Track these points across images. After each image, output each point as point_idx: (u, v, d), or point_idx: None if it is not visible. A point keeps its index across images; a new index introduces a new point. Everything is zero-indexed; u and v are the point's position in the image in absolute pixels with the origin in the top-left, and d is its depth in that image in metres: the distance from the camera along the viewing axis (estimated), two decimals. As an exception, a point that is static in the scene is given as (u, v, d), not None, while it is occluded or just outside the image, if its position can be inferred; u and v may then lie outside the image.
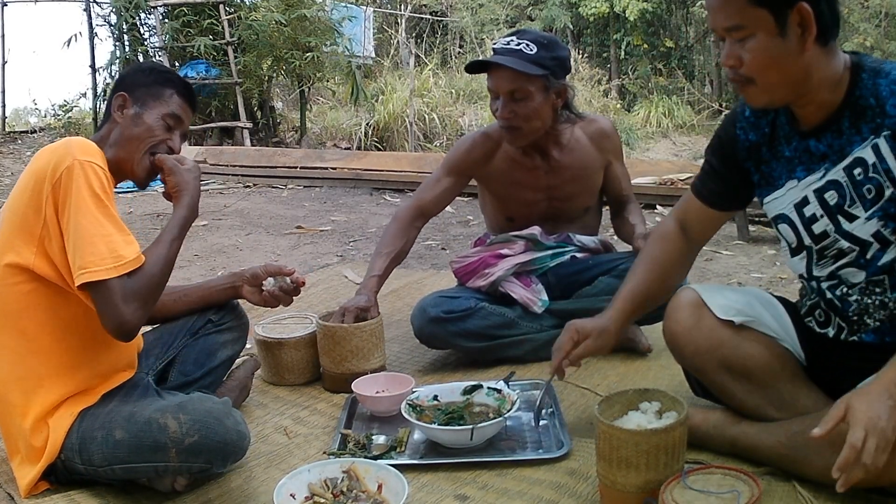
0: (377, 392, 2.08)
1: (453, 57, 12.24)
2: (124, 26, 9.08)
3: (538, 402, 1.89)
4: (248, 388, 2.19)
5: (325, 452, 1.87)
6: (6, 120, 10.58)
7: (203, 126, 8.81)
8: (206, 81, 8.79)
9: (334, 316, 2.28)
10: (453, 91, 10.13)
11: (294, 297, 2.13)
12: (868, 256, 1.50)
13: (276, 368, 2.33)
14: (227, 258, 4.36)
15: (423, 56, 11.74)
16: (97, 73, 9.22)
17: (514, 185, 2.46)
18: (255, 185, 7.14)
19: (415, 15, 12.82)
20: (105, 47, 12.58)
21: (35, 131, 10.18)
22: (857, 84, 1.45)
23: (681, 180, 5.46)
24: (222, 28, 8.87)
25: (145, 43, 9.45)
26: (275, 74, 9.43)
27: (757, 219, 4.50)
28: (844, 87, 1.46)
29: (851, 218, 1.49)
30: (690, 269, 1.88)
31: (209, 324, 2.07)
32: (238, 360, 2.21)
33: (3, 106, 10.46)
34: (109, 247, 1.54)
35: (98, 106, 9.25)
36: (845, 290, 1.55)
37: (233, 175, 7.32)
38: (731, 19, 1.40)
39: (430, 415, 1.92)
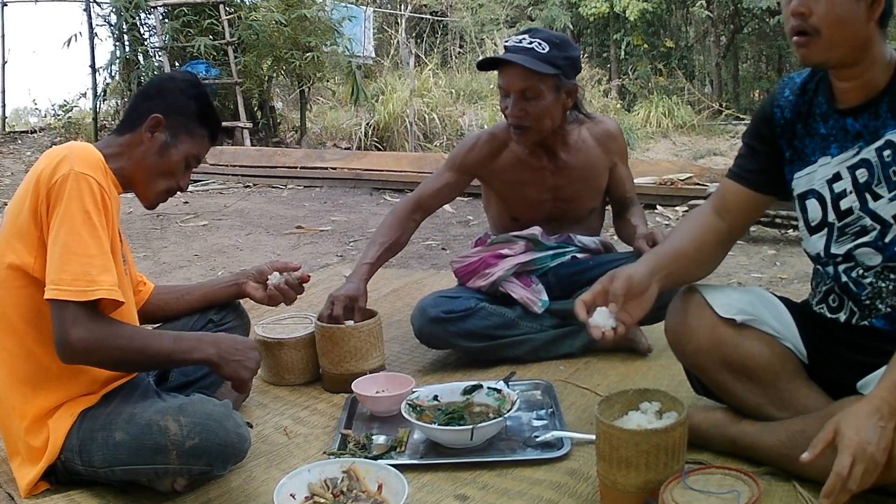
0: (377, 392, 2.08)
1: (453, 57, 12.25)
2: (124, 26, 9.07)
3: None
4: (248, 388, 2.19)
5: (325, 452, 1.87)
6: (6, 120, 10.59)
7: (203, 126, 8.79)
8: (206, 81, 8.78)
9: (323, 307, 2.27)
10: (453, 91, 10.13)
11: (298, 295, 2.12)
12: (886, 240, 1.52)
13: (276, 368, 2.32)
14: (227, 258, 4.36)
15: (423, 56, 11.74)
16: (97, 73, 9.21)
17: (519, 185, 2.46)
18: (255, 185, 7.14)
19: (415, 15, 12.82)
20: (105, 47, 12.63)
21: (35, 131, 10.18)
22: None
23: (681, 180, 5.47)
24: (222, 28, 8.86)
25: (145, 43, 9.44)
26: (275, 74, 9.43)
27: (757, 219, 4.49)
28: (890, 74, 1.50)
29: (877, 197, 1.52)
30: (723, 258, 1.77)
31: (210, 323, 2.07)
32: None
33: (3, 106, 10.48)
34: (84, 269, 1.51)
35: (98, 106, 9.26)
36: (861, 272, 1.57)
37: (233, 175, 7.32)
38: None
39: (430, 415, 1.92)
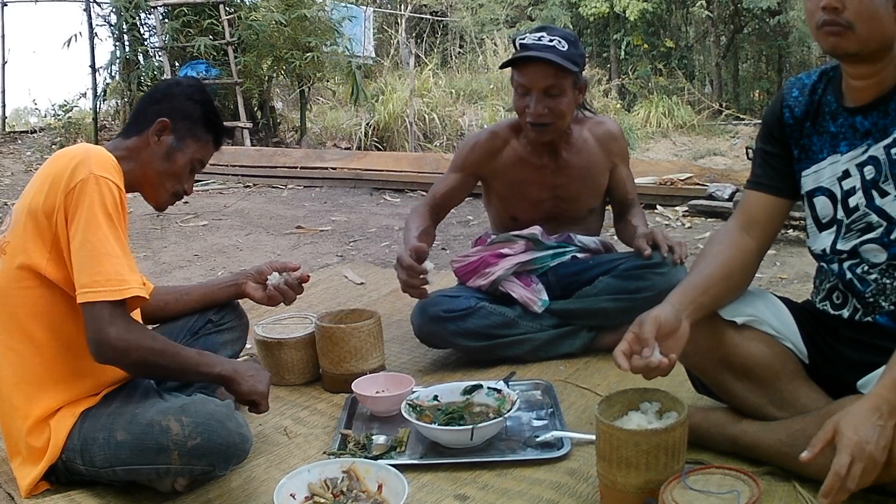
0: (377, 392, 2.08)
1: (453, 57, 12.25)
2: (124, 26, 9.08)
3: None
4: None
5: (325, 452, 1.87)
6: (6, 120, 10.58)
7: (203, 126, 8.80)
8: (206, 81, 8.78)
9: (398, 274, 2.22)
10: (453, 91, 10.13)
11: (298, 295, 2.12)
12: (892, 236, 1.53)
13: (276, 368, 2.32)
14: (227, 258, 4.36)
15: (423, 56, 11.74)
16: (97, 73, 9.21)
17: (520, 184, 2.46)
18: (255, 185, 7.14)
19: (415, 15, 12.82)
20: (105, 47, 12.60)
21: (35, 131, 10.17)
22: None
23: (681, 180, 5.46)
24: (222, 28, 8.85)
25: (145, 43, 9.45)
26: (275, 74, 9.42)
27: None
28: None
29: (883, 193, 1.53)
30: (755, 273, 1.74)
31: (209, 324, 2.06)
32: (238, 360, 2.21)
33: (3, 106, 10.47)
34: (115, 269, 1.53)
35: (98, 106, 9.26)
36: (866, 268, 1.58)
37: (233, 175, 7.32)
38: None
39: (430, 415, 1.92)
